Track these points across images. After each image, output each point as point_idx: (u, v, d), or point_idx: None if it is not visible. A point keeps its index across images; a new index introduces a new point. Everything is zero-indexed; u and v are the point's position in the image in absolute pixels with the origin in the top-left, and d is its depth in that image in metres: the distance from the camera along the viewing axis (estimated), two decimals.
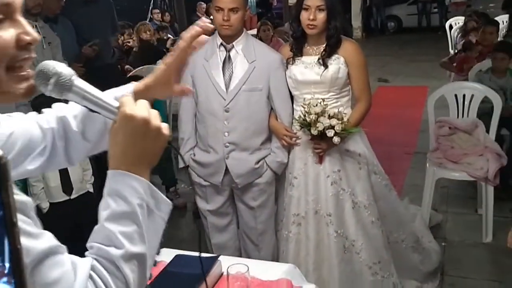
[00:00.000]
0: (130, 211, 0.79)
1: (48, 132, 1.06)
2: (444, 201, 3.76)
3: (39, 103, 1.35)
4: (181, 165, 2.72)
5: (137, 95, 1.00)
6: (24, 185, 2.69)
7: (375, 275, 2.51)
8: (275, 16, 11.15)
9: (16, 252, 0.40)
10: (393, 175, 3.13)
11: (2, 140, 0.99)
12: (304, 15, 2.40)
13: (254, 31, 6.29)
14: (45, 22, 3.51)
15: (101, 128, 1.06)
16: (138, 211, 0.79)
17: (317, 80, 2.46)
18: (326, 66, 2.44)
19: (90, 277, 0.74)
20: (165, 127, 0.85)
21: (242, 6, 2.38)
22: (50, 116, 1.09)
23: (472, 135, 3.30)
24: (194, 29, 1.04)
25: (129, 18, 7.38)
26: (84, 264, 0.74)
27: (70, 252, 0.75)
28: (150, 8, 11.18)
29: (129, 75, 4.90)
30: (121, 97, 0.85)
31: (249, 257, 2.61)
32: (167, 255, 1.76)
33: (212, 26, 1.12)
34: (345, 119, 2.40)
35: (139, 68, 5.54)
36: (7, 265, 0.40)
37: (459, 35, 6.21)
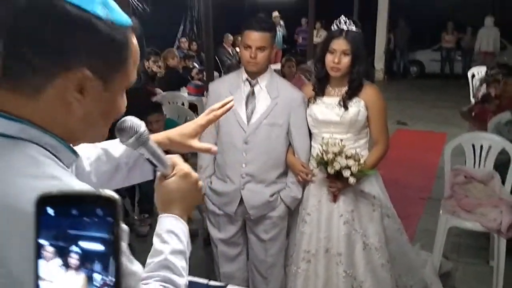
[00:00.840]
0: (184, 250, 0.98)
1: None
2: (455, 250, 3.73)
3: None
4: None
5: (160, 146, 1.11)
6: None
7: None
8: (299, 53, 11.34)
9: (118, 270, 0.53)
10: (406, 219, 3.13)
11: None
12: (329, 58, 2.47)
13: (278, 66, 6.44)
14: None
15: (108, 170, 1.15)
16: (187, 250, 0.99)
17: (337, 121, 2.52)
18: (346, 108, 2.50)
19: None
20: (201, 183, 1.08)
21: (269, 45, 2.47)
22: None
23: (488, 185, 3.30)
24: (226, 107, 1.25)
25: (157, 45, 7.59)
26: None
27: None
28: (179, 36, 11.48)
29: (154, 99, 5.04)
30: (173, 156, 1.05)
31: None
32: None
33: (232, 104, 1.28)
34: (361, 161, 2.45)
35: (163, 93, 5.69)
36: (112, 279, 0.53)
37: (480, 85, 6.23)
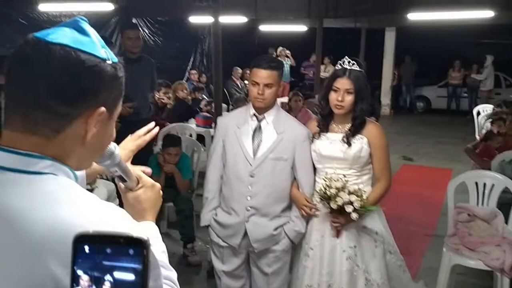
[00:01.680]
0: (165, 250, 1.06)
1: None
2: None
3: None
4: (202, 223, 2.82)
5: None
6: None
7: None
8: (307, 86, 11.47)
9: None
10: (410, 255, 3.13)
11: None
12: (333, 96, 2.56)
13: (286, 99, 6.54)
14: None
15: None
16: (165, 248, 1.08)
17: (340, 157, 2.57)
18: (349, 144, 2.56)
19: None
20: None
21: (276, 83, 2.57)
22: None
23: (491, 224, 3.32)
24: (152, 133, 1.42)
25: (167, 76, 7.74)
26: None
27: None
28: (189, 68, 11.70)
29: (163, 129, 5.13)
30: (134, 170, 1.17)
31: None
32: None
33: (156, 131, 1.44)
34: (364, 197, 2.49)
35: (172, 125, 5.79)
36: None
37: (485, 122, 6.28)
